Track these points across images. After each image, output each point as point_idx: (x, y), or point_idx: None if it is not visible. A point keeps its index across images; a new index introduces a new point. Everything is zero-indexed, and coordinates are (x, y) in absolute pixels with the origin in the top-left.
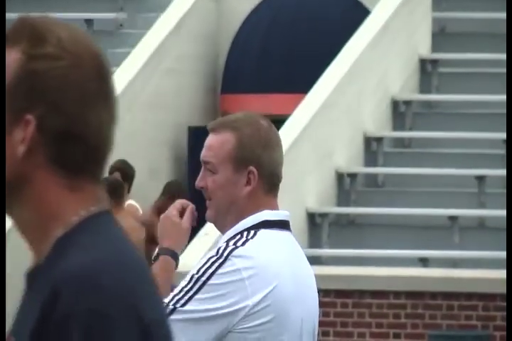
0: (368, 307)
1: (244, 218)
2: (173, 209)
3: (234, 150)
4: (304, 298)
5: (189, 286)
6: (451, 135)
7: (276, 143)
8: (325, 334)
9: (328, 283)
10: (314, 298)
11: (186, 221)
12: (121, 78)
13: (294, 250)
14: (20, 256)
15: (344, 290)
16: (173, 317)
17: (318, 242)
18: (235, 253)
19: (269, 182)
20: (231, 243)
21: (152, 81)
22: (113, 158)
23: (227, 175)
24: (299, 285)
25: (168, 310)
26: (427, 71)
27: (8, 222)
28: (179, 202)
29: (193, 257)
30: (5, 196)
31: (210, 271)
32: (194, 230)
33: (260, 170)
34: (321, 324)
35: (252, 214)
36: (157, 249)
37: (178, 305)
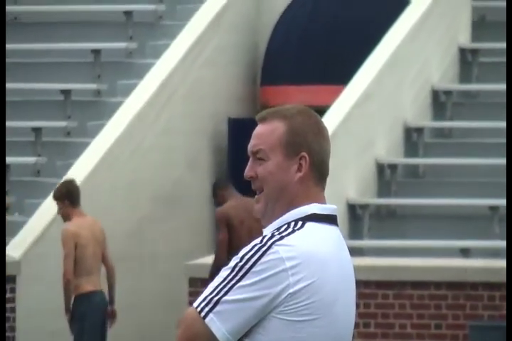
0: (409, 298)
1: (293, 207)
2: None
3: (285, 136)
4: (346, 292)
5: (232, 275)
6: (492, 124)
7: (327, 133)
8: (366, 325)
9: (369, 275)
10: (353, 294)
11: None
12: (161, 70)
13: (340, 245)
14: None
15: (385, 282)
16: (216, 308)
17: (358, 233)
18: (279, 242)
19: (320, 171)
20: (277, 232)
21: (192, 72)
22: (153, 151)
23: (278, 161)
24: (342, 279)
25: (212, 302)
26: (467, 60)
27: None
28: None
29: None
30: (5, 195)
31: (254, 259)
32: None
33: (311, 157)
34: (362, 315)
35: (300, 205)
36: None
37: (220, 295)
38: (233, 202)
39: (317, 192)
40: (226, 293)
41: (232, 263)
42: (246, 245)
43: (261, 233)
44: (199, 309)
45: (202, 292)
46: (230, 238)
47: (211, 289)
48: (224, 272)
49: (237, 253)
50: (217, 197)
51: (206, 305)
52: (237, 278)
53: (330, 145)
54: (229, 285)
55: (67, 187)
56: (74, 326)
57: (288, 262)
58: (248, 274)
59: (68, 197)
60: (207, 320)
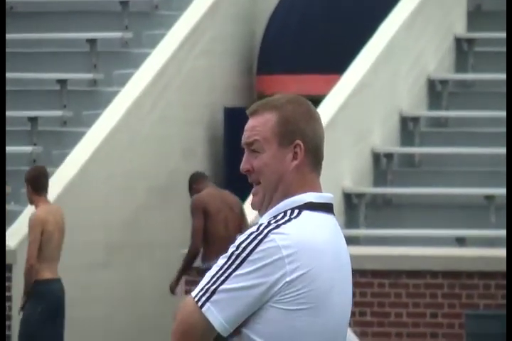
0: (405, 287)
1: (289, 195)
2: None
3: (278, 126)
4: (342, 280)
5: (229, 263)
6: (488, 114)
7: (319, 118)
8: (362, 314)
9: (364, 264)
10: (349, 282)
11: None
12: (157, 59)
13: (336, 233)
14: None
15: (381, 271)
16: (213, 297)
17: (354, 222)
18: (276, 230)
19: (315, 157)
20: (273, 220)
21: (188, 62)
22: (150, 140)
23: (273, 151)
24: (339, 267)
25: (209, 292)
26: (463, 50)
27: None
28: None
29: None
30: (5, 195)
31: (250, 247)
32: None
33: (306, 144)
34: (358, 304)
35: (296, 193)
36: None
37: (217, 284)
38: (210, 191)
39: (313, 178)
40: (223, 282)
41: (228, 252)
42: (221, 235)
43: (236, 223)
44: (196, 299)
45: (198, 281)
46: (206, 226)
47: (208, 278)
48: (221, 261)
49: (212, 242)
50: (192, 190)
51: (203, 294)
52: (234, 266)
53: (323, 130)
54: (226, 274)
55: (31, 173)
56: (26, 309)
57: (284, 250)
58: (245, 263)
59: (31, 182)
60: (204, 309)
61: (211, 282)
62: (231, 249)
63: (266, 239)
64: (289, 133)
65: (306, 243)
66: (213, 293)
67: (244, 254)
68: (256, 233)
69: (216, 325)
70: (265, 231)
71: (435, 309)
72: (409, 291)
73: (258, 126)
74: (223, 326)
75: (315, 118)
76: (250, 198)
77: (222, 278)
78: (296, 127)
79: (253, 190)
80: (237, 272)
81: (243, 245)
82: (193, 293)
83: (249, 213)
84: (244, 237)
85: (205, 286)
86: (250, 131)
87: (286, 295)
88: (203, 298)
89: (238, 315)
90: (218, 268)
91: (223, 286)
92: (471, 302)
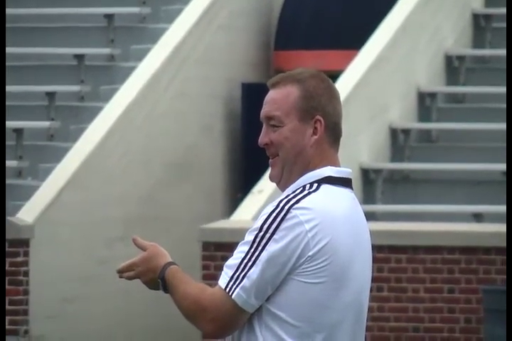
0: (422, 262)
1: (308, 170)
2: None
3: (300, 100)
4: (361, 254)
5: (254, 247)
6: (505, 90)
7: (339, 95)
8: (379, 289)
9: (382, 239)
10: (369, 256)
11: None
12: (174, 34)
13: (354, 207)
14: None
15: (398, 246)
16: (242, 283)
17: (372, 198)
18: (297, 205)
19: (334, 133)
20: (292, 195)
21: (205, 37)
22: (167, 115)
23: (293, 126)
24: (358, 241)
25: (239, 279)
26: (481, 26)
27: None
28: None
29: (246, 214)
30: (5, 195)
31: (274, 226)
32: (248, 187)
33: (326, 120)
34: (375, 279)
35: (316, 168)
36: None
37: (245, 271)
38: None
39: (332, 154)
40: (251, 267)
41: (249, 237)
42: None
43: None
44: (227, 289)
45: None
46: None
47: (235, 267)
48: (243, 247)
49: None
50: None
51: (234, 283)
52: (260, 248)
53: (341, 108)
54: (253, 258)
55: None
56: None
57: (307, 224)
58: (271, 242)
59: None
60: (234, 296)
61: (239, 269)
62: (252, 232)
63: (288, 216)
64: (311, 109)
65: (327, 215)
66: (242, 279)
67: (268, 234)
68: (277, 211)
69: (247, 308)
70: (286, 207)
71: (452, 284)
72: (426, 266)
73: (279, 98)
74: (254, 308)
75: (335, 96)
76: (269, 172)
77: (250, 263)
78: (318, 103)
79: (271, 161)
80: (264, 254)
81: (266, 226)
82: (222, 284)
83: (269, 186)
84: (265, 217)
85: (234, 275)
86: (271, 104)
87: (307, 268)
88: (234, 286)
89: (267, 293)
90: (244, 253)
91: (252, 270)
92: (489, 277)
